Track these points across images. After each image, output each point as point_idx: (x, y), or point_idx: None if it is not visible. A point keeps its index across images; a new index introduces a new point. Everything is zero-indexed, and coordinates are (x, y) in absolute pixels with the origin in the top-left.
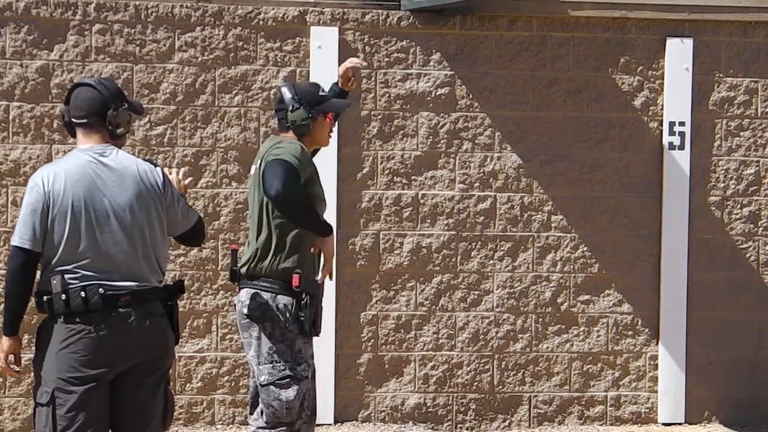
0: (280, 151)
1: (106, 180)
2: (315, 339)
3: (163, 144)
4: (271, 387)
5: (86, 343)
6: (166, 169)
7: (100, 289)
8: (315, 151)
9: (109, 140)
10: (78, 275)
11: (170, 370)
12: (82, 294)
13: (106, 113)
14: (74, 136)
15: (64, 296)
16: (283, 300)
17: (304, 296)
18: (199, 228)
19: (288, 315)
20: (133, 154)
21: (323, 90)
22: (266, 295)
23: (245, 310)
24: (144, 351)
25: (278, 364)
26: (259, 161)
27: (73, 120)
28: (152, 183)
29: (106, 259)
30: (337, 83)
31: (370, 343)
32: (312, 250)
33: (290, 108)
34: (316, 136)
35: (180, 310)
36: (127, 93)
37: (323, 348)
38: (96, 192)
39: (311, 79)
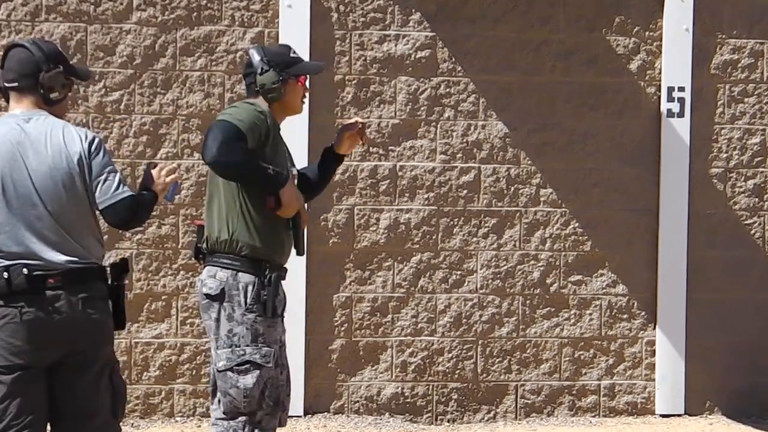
0: (226, 114)
1: (27, 148)
2: (286, 323)
3: (119, 111)
4: (229, 373)
5: (12, 329)
6: (157, 169)
7: (24, 269)
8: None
9: (43, 106)
10: (1, 254)
11: (117, 358)
12: (5, 275)
13: (39, 75)
14: (8, 101)
15: None
16: (244, 278)
17: (267, 273)
18: (122, 209)
19: (249, 295)
20: (87, 122)
21: (295, 52)
22: (226, 273)
23: (204, 289)
24: (79, 338)
25: (237, 349)
26: None
27: (5, 84)
28: (75, 149)
29: (31, 235)
30: (330, 147)
31: (343, 328)
32: (268, 207)
33: (259, 71)
34: (288, 101)
35: (137, 291)
36: (79, 56)
37: (292, 333)
38: (16, 161)
39: (281, 41)
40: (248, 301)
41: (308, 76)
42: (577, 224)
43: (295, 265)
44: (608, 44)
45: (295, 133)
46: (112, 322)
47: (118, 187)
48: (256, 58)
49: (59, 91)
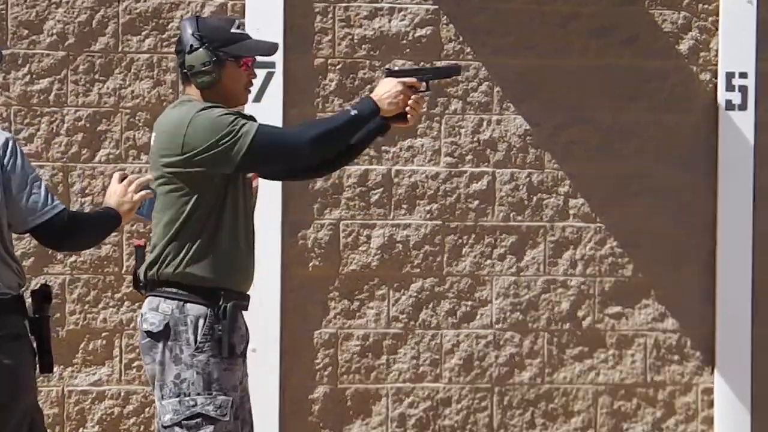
0: (202, 117)
1: None
2: (252, 364)
3: (48, 103)
4: (176, 429)
5: None
6: (116, 174)
7: None
8: None
9: None
10: None
11: (41, 408)
12: None
13: None
14: None
15: None
16: (193, 310)
17: (222, 302)
18: (57, 228)
19: (200, 330)
20: (8, 117)
21: (240, 26)
22: (171, 305)
23: (145, 326)
24: None
25: (186, 398)
26: (153, 137)
27: None
28: None
29: None
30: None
31: (326, 372)
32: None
33: (187, 48)
34: (226, 88)
35: (71, 327)
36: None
37: (263, 378)
38: None
39: (248, 16)
40: (198, 338)
41: (254, 57)
42: (615, 243)
43: (267, 294)
44: (652, 19)
45: None
46: (31, 366)
47: (47, 201)
48: (186, 32)
49: None
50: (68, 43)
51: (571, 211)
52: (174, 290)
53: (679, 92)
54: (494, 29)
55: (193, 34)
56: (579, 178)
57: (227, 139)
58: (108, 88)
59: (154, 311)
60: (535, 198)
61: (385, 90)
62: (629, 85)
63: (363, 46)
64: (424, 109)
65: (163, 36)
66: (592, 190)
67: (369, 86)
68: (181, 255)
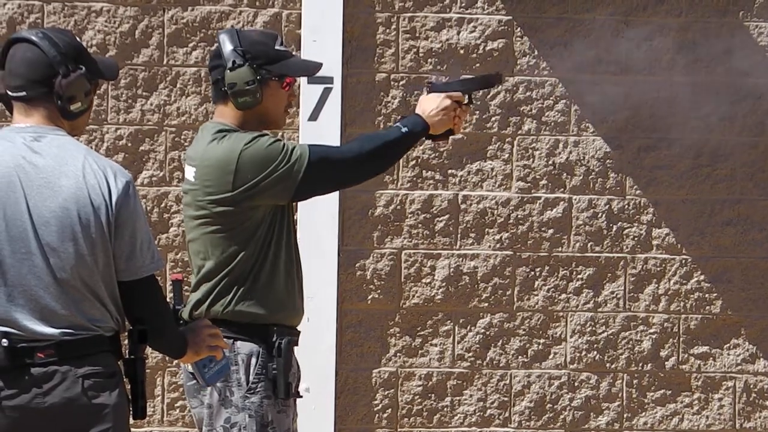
0: (240, 145)
1: (31, 177)
2: (305, 406)
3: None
4: None
5: None
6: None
7: (4, 340)
8: None
9: (59, 120)
10: None
11: None
12: None
13: (53, 82)
14: (12, 112)
15: None
16: (245, 348)
17: (276, 339)
18: (153, 290)
19: (252, 369)
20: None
21: (282, 42)
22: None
23: (189, 367)
24: (79, 430)
25: None
26: (193, 173)
27: (8, 92)
28: (99, 191)
29: (18, 294)
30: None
31: (385, 415)
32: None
33: (229, 65)
34: (267, 110)
35: None
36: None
37: (317, 421)
38: (14, 192)
39: (304, 27)
40: (251, 378)
41: (297, 78)
42: (702, 277)
43: (322, 329)
44: (747, 32)
45: None
46: (127, 408)
47: (146, 255)
48: (227, 46)
49: (82, 101)
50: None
51: (655, 242)
52: (223, 328)
53: None
54: (573, 42)
55: (235, 50)
56: (664, 205)
57: (281, 167)
58: (152, 105)
59: None
60: (615, 227)
61: (433, 107)
62: (722, 103)
63: (429, 60)
64: (495, 129)
65: (212, 48)
66: (678, 218)
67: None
68: (231, 294)
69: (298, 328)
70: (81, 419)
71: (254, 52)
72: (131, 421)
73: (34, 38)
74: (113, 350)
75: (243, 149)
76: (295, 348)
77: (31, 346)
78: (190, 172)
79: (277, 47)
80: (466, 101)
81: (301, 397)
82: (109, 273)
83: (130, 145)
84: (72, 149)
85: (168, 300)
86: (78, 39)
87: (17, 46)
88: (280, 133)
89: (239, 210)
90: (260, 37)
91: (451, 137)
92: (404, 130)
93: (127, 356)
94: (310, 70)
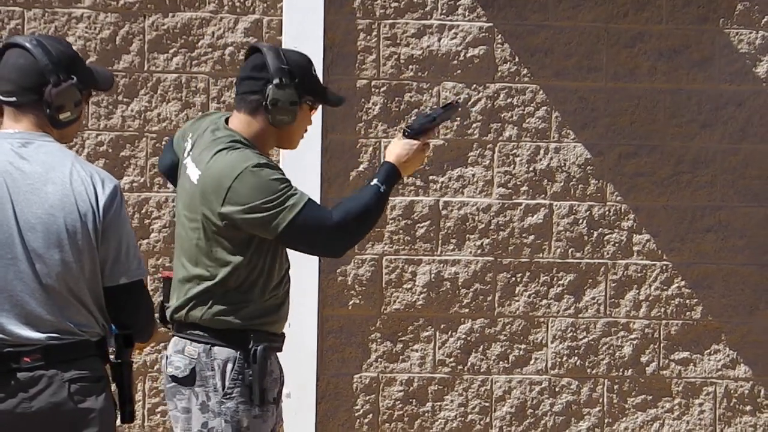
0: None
1: (18, 183)
2: (287, 410)
3: None
4: None
5: None
6: None
7: None
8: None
9: (47, 127)
10: None
11: None
12: None
13: (43, 90)
14: (2, 115)
15: None
16: (221, 354)
17: (252, 345)
18: (136, 295)
19: (228, 375)
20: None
21: (315, 69)
22: (197, 348)
23: (169, 369)
24: None
25: None
26: (197, 175)
27: (0, 96)
28: (86, 198)
29: (3, 298)
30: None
31: (366, 420)
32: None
33: (277, 81)
34: (292, 131)
35: None
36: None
37: (298, 426)
38: (0, 197)
39: (284, 33)
40: (227, 384)
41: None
42: (683, 282)
43: (303, 335)
44: (727, 39)
45: (305, 156)
46: (113, 413)
47: (132, 261)
48: (275, 62)
49: (71, 111)
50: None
51: (636, 248)
52: (201, 333)
53: (757, 119)
54: (554, 49)
55: (282, 67)
56: (644, 211)
57: (271, 205)
58: (132, 111)
59: (180, 354)
60: (595, 233)
61: (406, 154)
62: (702, 110)
63: (410, 66)
64: (476, 136)
65: (193, 54)
66: (658, 225)
67: (416, 110)
68: (212, 301)
69: (282, 332)
70: (67, 424)
71: (300, 75)
72: (118, 425)
73: (27, 45)
74: (100, 355)
75: (244, 170)
76: (278, 353)
77: (17, 351)
78: (194, 173)
79: (314, 73)
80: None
81: (281, 402)
82: (95, 280)
83: (110, 151)
84: (59, 156)
85: (157, 297)
86: (73, 48)
87: (11, 51)
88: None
89: (224, 226)
90: (302, 60)
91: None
92: (382, 188)
93: (114, 360)
94: (342, 102)
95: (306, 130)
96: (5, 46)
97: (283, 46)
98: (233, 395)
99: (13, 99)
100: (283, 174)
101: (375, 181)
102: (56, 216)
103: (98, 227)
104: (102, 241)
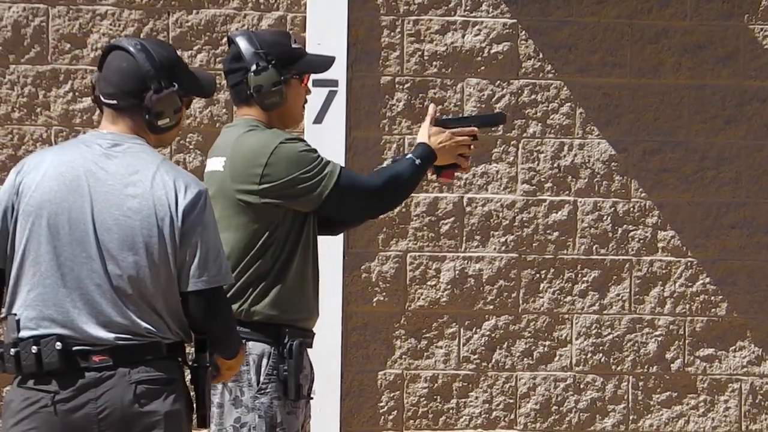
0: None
1: (100, 182)
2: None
3: (92, 123)
4: None
5: (42, 420)
6: None
7: (58, 343)
8: None
9: (144, 132)
10: (33, 316)
11: None
12: (34, 348)
13: (144, 95)
14: (102, 113)
15: (13, 350)
16: (255, 348)
17: (287, 340)
18: (213, 301)
19: (263, 370)
20: (48, 137)
21: (295, 40)
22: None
23: None
24: None
25: None
26: (222, 162)
27: (101, 98)
28: (166, 203)
29: (77, 297)
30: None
31: (391, 417)
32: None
33: (253, 68)
34: (290, 109)
35: None
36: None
37: (322, 422)
38: (81, 196)
39: (309, 30)
40: (261, 379)
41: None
42: (708, 279)
43: (327, 331)
44: (752, 35)
45: (329, 154)
46: (185, 418)
47: (211, 269)
48: (247, 49)
49: (170, 117)
50: None
51: (660, 245)
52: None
53: None
54: (579, 45)
55: (256, 52)
56: (669, 208)
57: (310, 175)
58: None
59: None
60: (620, 230)
61: (442, 140)
62: (726, 106)
63: (434, 63)
64: (500, 132)
65: (217, 51)
66: (683, 221)
67: (440, 107)
68: (248, 293)
69: (313, 329)
70: (131, 425)
71: (275, 53)
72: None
73: (131, 49)
74: (173, 357)
75: (278, 146)
76: (308, 350)
77: (86, 350)
78: (218, 163)
79: (293, 45)
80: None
81: (312, 398)
82: (171, 287)
83: None
84: (146, 159)
85: None
86: (176, 53)
87: (114, 54)
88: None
89: (264, 206)
90: (276, 37)
91: (456, 174)
92: (417, 161)
93: (191, 364)
94: (328, 65)
95: (306, 101)
96: (110, 48)
97: (307, 43)
98: (268, 390)
99: (114, 102)
100: (310, 145)
101: (410, 155)
102: (133, 219)
103: (175, 233)
104: (181, 247)
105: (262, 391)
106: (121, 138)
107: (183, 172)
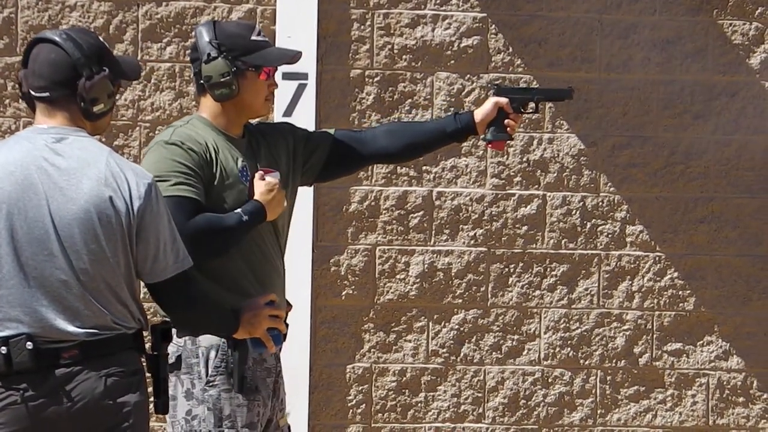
0: (145, 161)
1: (53, 179)
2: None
3: None
4: None
5: (12, 416)
6: None
7: (29, 343)
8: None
9: (81, 121)
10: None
11: None
12: (3, 349)
13: (77, 83)
14: (34, 110)
15: None
16: (205, 341)
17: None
18: (181, 288)
19: (211, 363)
20: (17, 130)
21: (260, 32)
22: (183, 336)
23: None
24: (102, 427)
25: None
26: None
27: (32, 92)
28: (120, 194)
29: (42, 296)
30: (465, 116)
31: (359, 410)
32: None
33: (204, 57)
34: (244, 101)
35: None
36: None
37: (291, 415)
38: (35, 195)
39: (278, 22)
40: (210, 371)
41: (276, 67)
42: (676, 274)
43: (295, 325)
44: (720, 30)
45: None
46: (147, 406)
47: (171, 255)
48: (203, 39)
49: (105, 102)
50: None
51: (629, 239)
52: None
53: (750, 110)
54: (548, 39)
55: (210, 42)
56: (638, 203)
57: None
58: (125, 100)
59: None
60: (589, 224)
61: (261, 189)
62: (695, 101)
63: (404, 56)
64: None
65: (186, 44)
66: (652, 216)
67: (410, 101)
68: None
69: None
70: (104, 418)
71: (229, 44)
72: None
73: (57, 39)
74: (136, 347)
75: (155, 144)
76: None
77: (56, 348)
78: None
79: (253, 38)
80: (531, 109)
81: (281, 393)
82: (130, 273)
83: (103, 140)
84: (94, 151)
85: None
86: (101, 39)
87: (41, 47)
88: None
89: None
90: (236, 28)
91: (507, 142)
92: (245, 218)
93: (150, 353)
94: (288, 59)
95: (269, 94)
96: (34, 42)
97: (276, 36)
98: (216, 383)
99: (47, 94)
100: (193, 162)
101: (238, 210)
102: (91, 212)
103: (133, 224)
104: (139, 239)
105: (211, 384)
106: (65, 131)
107: (131, 164)
